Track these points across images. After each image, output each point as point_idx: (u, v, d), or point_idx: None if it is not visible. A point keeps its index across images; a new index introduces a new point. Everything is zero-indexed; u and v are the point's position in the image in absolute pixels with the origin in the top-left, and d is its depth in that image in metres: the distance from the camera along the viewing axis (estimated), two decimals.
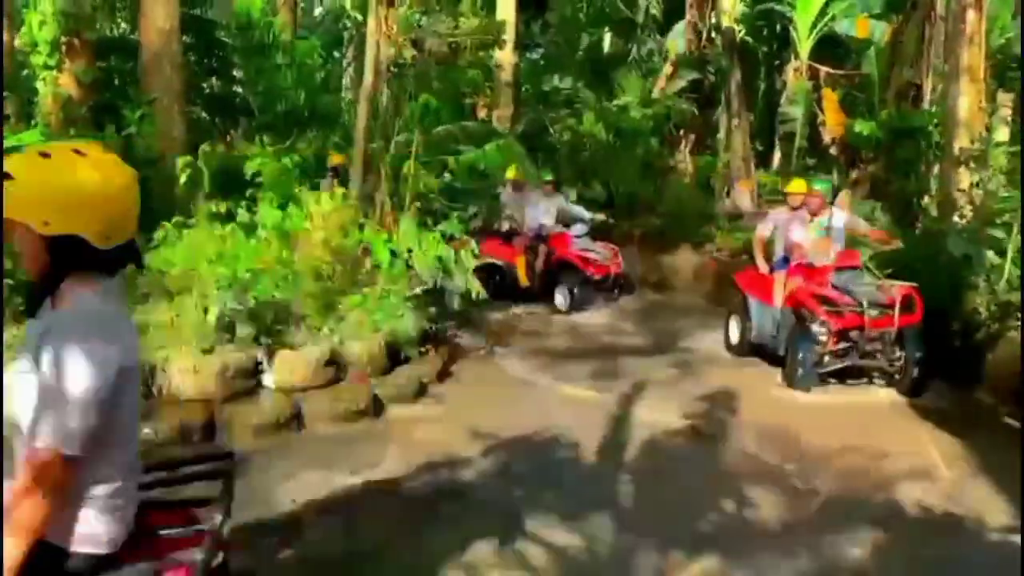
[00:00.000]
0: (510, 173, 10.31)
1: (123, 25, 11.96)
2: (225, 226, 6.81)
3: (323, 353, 6.05)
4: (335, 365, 6.16)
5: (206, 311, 5.76)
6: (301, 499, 4.36)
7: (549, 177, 10.86)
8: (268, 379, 5.87)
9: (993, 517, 4.34)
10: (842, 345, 6.64)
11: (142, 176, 6.35)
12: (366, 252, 7.52)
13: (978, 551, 4.06)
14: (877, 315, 6.51)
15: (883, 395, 6.60)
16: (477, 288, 7.84)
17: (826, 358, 6.66)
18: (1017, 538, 4.05)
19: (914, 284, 6.62)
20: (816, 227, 7.40)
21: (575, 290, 9.81)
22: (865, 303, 6.53)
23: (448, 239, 7.89)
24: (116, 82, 9.59)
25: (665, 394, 6.45)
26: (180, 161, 7.16)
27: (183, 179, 7.07)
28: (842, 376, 6.81)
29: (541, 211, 10.39)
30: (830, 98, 13.83)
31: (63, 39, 7.63)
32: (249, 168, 7.42)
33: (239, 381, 5.69)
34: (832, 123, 13.59)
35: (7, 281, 5.22)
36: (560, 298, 9.85)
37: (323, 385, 5.98)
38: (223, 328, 5.85)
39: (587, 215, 10.74)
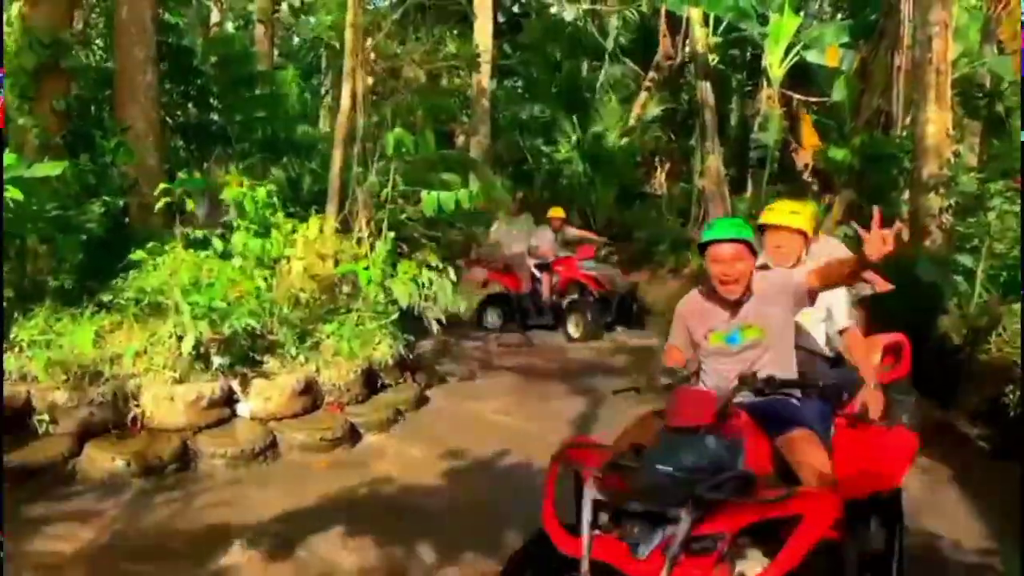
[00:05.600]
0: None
1: (99, 53, 11.93)
2: (200, 253, 6.77)
3: (298, 381, 6.02)
4: (311, 393, 6.12)
5: (180, 339, 5.72)
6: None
7: (561, 214, 11.00)
8: (243, 408, 5.82)
9: (969, 538, 4.38)
10: None
11: (118, 204, 6.32)
12: (342, 279, 7.51)
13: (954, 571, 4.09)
14: None
15: None
16: (462, 309, 7.84)
17: None
18: (993, 559, 4.09)
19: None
20: None
21: (588, 315, 9.75)
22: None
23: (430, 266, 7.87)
24: (92, 110, 9.56)
25: None
26: (158, 188, 7.12)
27: (159, 206, 7.04)
28: None
29: (548, 242, 10.59)
30: (807, 120, 14.07)
31: (39, 68, 7.60)
32: (227, 196, 7.39)
33: (213, 410, 5.64)
34: (809, 145, 13.83)
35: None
36: (571, 326, 9.82)
37: (299, 414, 5.94)
38: (197, 356, 5.80)
39: (594, 237, 11.05)
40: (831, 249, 5.86)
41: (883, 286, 5.41)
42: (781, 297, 3.27)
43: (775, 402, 3.18)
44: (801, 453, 2.99)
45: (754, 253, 3.24)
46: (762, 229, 3.93)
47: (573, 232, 11.06)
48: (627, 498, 2.57)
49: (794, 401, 3.23)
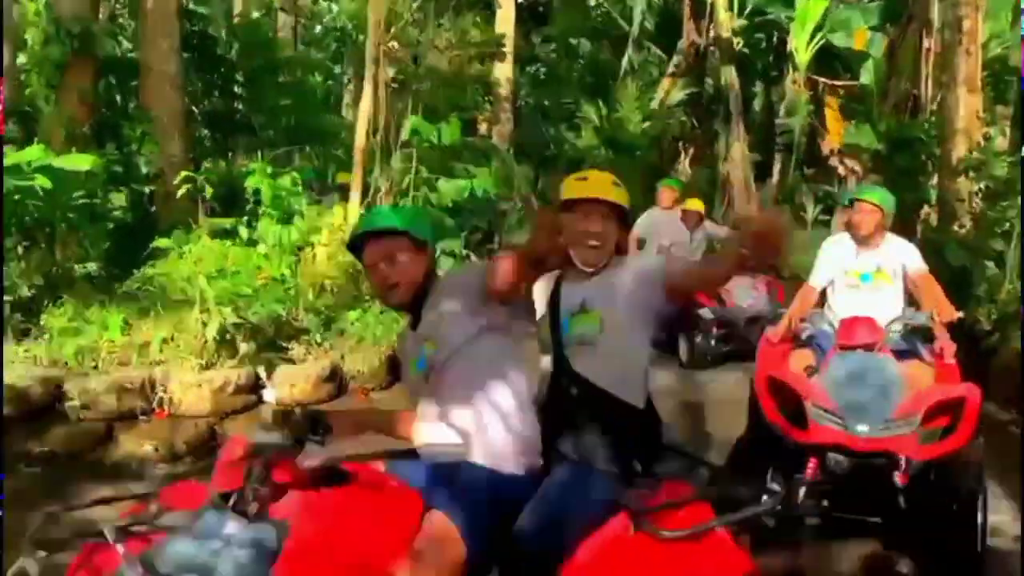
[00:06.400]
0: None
1: (125, 43, 12.03)
2: (226, 241, 6.83)
3: (323, 368, 6.06)
4: (336, 380, 6.16)
5: (206, 326, 5.77)
6: None
7: (700, 207, 8.29)
8: (268, 395, 5.87)
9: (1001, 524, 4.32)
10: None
11: (143, 192, 6.41)
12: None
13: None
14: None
15: None
16: None
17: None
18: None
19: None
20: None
21: (697, 339, 7.20)
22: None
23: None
24: (118, 100, 9.65)
25: None
26: (179, 176, 7.19)
27: (180, 194, 7.11)
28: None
29: (681, 243, 7.89)
30: (832, 106, 13.93)
31: (67, 58, 7.68)
32: (250, 185, 7.45)
33: (239, 397, 5.69)
34: (834, 131, 13.69)
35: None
36: (683, 350, 7.38)
37: (324, 400, 5.98)
38: (223, 343, 5.85)
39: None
40: (905, 253, 4.56)
41: (948, 314, 4.03)
42: (455, 300, 2.23)
43: (453, 467, 2.15)
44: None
45: (419, 247, 2.28)
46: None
47: (714, 229, 8.31)
48: None
49: (479, 467, 2.14)
